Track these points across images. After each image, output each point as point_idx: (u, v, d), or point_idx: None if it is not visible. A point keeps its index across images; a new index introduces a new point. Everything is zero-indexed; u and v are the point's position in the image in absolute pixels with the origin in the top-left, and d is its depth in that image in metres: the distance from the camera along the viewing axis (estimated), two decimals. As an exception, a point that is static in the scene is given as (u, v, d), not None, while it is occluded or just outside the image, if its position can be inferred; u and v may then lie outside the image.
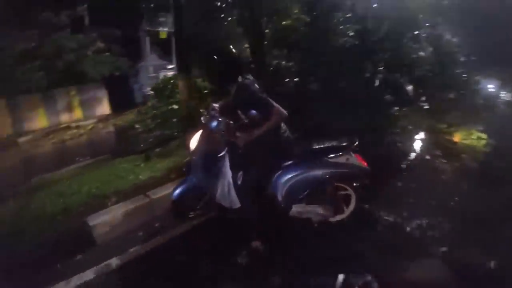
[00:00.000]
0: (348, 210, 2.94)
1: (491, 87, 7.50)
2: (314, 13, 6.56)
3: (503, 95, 7.44)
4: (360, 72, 6.60)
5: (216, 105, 2.75)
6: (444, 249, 2.64)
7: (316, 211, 2.75)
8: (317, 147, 2.82)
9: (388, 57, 6.42)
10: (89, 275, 2.67)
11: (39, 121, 10.90)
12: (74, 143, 9.40)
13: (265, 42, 7.00)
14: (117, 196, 3.67)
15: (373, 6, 6.51)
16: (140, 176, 4.10)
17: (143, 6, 9.87)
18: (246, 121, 2.50)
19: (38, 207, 3.64)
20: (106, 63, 11.44)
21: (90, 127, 10.99)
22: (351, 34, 6.60)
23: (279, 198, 2.70)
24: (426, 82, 6.54)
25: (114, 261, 2.81)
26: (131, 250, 2.92)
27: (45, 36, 10.21)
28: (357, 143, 2.78)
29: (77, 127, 10.97)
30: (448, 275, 2.39)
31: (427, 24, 6.75)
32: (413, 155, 4.68)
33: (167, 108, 7.18)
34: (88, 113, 12.05)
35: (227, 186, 2.62)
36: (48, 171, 5.56)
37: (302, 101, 5.95)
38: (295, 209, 2.75)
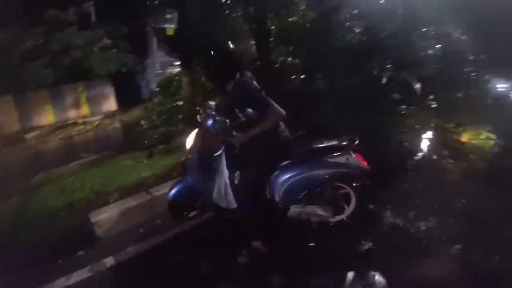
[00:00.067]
0: (348, 211, 2.88)
1: (500, 86, 7.34)
2: (321, 10, 6.48)
3: (513, 94, 7.29)
4: (367, 69, 6.52)
5: (212, 103, 2.71)
6: (447, 250, 2.58)
7: (315, 212, 2.70)
8: (316, 146, 2.76)
9: (395, 54, 6.32)
10: (89, 271, 2.68)
11: (46, 117, 11.02)
12: (80, 139, 9.48)
13: (271, 39, 6.94)
14: (120, 192, 3.69)
15: (380, 2, 6.42)
16: (143, 173, 4.10)
17: (150, 2, 9.86)
18: (243, 119, 2.44)
19: (42, 203, 3.68)
20: (112, 60, 11.50)
21: (96, 123, 11.08)
22: (358, 30, 6.51)
23: (277, 198, 2.64)
24: (434, 81, 6.43)
25: (115, 258, 2.81)
26: (132, 247, 2.92)
27: (52, 33, 10.30)
28: (357, 142, 2.71)
29: (84, 123, 11.07)
30: (453, 276, 2.33)
31: (435, 21, 6.62)
32: (420, 154, 4.60)
33: (173, 105, 7.19)
34: (95, 110, 12.15)
35: (223, 186, 2.57)
36: (54, 166, 5.60)
37: (308, 98, 5.91)
38: (294, 209, 2.69)
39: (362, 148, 2.86)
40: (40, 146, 8.96)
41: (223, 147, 2.59)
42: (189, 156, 2.83)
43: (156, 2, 6.98)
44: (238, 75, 2.44)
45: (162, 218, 3.25)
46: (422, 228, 2.86)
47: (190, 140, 2.84)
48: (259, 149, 2.46)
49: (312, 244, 2.74)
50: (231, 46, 2.53)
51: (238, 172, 2.56)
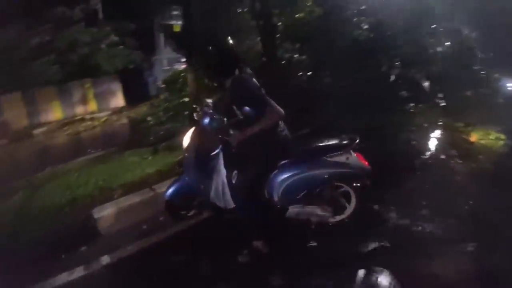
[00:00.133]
0: (348, 211, 2.82)
1: (511, 85, 7.17)
2: (328, 5, 6.39)
3: (525, 94, 7.10)
4: (375, 66, 6.41)
5: (209, 100, 2.67)
6: (453, 251, 2.53)
7: (314, 212, 2.65)
8: (315, 145, 2.69)
9: (403, 51, 6.20)
10: (91, 266, 2.69)
11: (54, 113, 11.16)
12: (87, 135, 9.58)
13: (277, 35, 6.88)
14: (124, 189, 3.70)
15: (388, -2, 6.31)
16: (147, 170, 4.11)
17: (156, -1, 9.89)
18: (241, 118, 2.40)
19: (46, 198, 3.71)
20: (120, 56, 11.60)
21: (104, 119, 11.18)
22: (365, 27, 6.40)
23: (275, 198, 2.58)
24: (443, 79, 6.30)
25: (116, 254, 2.81)
26: (135, 243, 2.93)
27: (60, 30, 10.40)
28: (358, 141, 2.64)
29: (91, 119, 11.19)
30: (459, 278, 2.28)
31: (444, 18, 6.48)
32: (427, 154, 4.53)
33: (179, 101, 7.21)
34: (102, 106, 12.26)
35: (221, 185, 2.53)
36: (60, 162, 5.66)
37: (314, 96, 5.84)
38: (292, 210, 2.64)
39: (368, 147, 2.81)
40: (47, 142, 9.08)
41: (220, 146, 2.56)
42: (186, 154, 2.78)
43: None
44: (237, 71, 2.39)
45: (165, 215, 3.24)
46: (427, 229, 2.81)
47: (187, 139, 2.79)
48: (257, 148, 2.41)
49: (311, 244, 2.69)
50: (231, 42, 2.47)
51: (235, 172, 2.52)
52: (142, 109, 10.97)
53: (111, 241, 2.99)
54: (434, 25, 6.49)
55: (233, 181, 2.52)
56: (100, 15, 12.03)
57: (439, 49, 6.52)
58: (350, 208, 2.82)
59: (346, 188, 2.79)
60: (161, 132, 6.41)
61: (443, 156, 4.40)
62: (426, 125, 5.52)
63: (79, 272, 2.64)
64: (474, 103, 6.04)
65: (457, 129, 5.26)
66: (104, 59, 11.32)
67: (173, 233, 3.02)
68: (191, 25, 5.52)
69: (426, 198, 3.26)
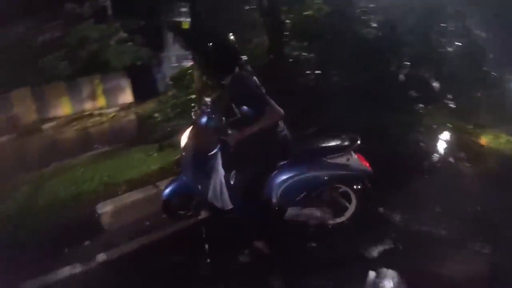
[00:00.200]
0: (348, 213, 2.77)
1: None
2: (336, 3, 6.32)
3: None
4: (383, 65, 6.33)
5: (208, 99, 2.62)
6: (459, 255, 2.48)
7: (313, 214, 2.60)
8: (316, 146, 2.65)
9: (413, 51, 6.11)
10: (93, 261, 2.72)
11: (64, 108, 11.31)
12: (95, 130, 9.69)
13: (285, 33, 6.83)
14: (128, 185, 3.72)
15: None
16: (152, 167, 4.12)
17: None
18: (239, 116, 2.35)
19: (52, 193, 3.76)
20: (128, 53, 11.65)
21: (112, 115, 11.28)
22: (374, 25, 6.31)
23: (274, 200, 2.54)
24: (453, 79, 6.18)
25: (118, 249, 2.83)
26: (136, 239, 2.94)
27: (70, 26, 10.50)
28: (359, 142, 2.59)
29: (100, 115, 11.30)
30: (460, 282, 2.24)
31: (455, 17, 6.35)
32: (435, 156, 4.44)
33: (186, 98, 7.21)
34: (111, 102, 12.36)
35: (219, 185, 2.49)
36: (67, 157, 5.72)
37: (321, 94, 5.79)
38: (291, 211, 2.60)
39: (375, 147, 2.75)
40: (56, 136, 9.20)
41: (218, 146, 2.51)
42: (184, 154, 2.73)
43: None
44: (237, 69, 2.34)
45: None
46: (432, 232, 2.76)
47: (184, 138, 2.74)
48: (256, 149, 2.37)
49: (310, 245, 2.66)
50: (232, 38, 2.40)
51: (234, 172, 2.49)
52: (150, 105, 11.00)
53: (113, 236, 3.01)
54: (444, 24, 6.38)
55: (232, 182, 2.48)
56: (109, 12, 12.10)
57: (449, 48, 6.41)
58: (350, 210, 2.77)
59: (346, 189, 2.73)
60: (168, 129, 6.41)
61: (451, 159, 4.31)
62: (434, 126, 5.42)
63: (81, 266, 2.66)
64: (484, 104, 5.91)
65: (466, 131, 5.15)
66: (113, 56, 11.39)
67: (174, 231, 3.01)
68: (198, 23, 5.50)
69: (431, 201, 3.19)
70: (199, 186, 2.61)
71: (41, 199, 3.66)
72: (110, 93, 12.39)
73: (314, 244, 2.66)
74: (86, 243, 2.98)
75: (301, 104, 5.10)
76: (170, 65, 14.14)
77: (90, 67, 11.35)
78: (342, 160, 2.55)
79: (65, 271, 2.62)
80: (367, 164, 2.64)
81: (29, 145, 8.06)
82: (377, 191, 2.76)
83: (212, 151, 2.52)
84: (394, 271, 2.28)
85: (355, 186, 2.69)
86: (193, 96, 6.63)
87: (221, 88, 2.63)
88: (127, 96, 12.76)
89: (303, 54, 7.25)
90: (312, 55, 7.11)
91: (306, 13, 6.93)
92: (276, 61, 6.65)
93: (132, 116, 10.87)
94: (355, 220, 2.77)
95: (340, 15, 6.35)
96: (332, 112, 4.91)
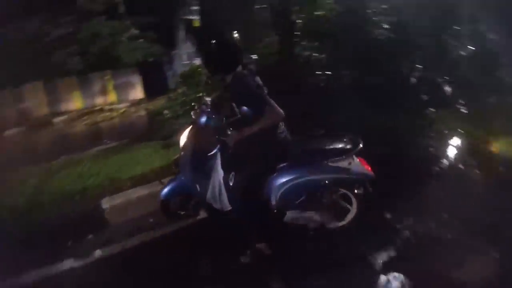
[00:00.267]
0: (349, 217, 2.72)
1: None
2: (348, 3, 6.25)
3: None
4: (395, 67, 6.23)
5: (208, 99, 2.59)
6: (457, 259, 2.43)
7: (313, 217, 2.55)
8: (317, 149, 2.60)
9: (425, 53, 6.00)
10: (96, 255, 2.76)
11: (75, 102, 11.47)
12: (105, 125, 9.78)
13: (296, 33, 6.79)
14: (133, 181, 3.74)
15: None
16: (158, 163, 4.14)
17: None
18: (239, 116, 2.29)
19: (59, 187, 3.81)
20: (140, 49, 11.72)
21: (122, 110, 11.37)
22: (386, 26, 6.22)
23: (273, 202, 2.50)
24: (466, 84, 6.05)
25: (121, 244, 2.86)
26: (140, 235, 2.96)
27: (82, 22, 10.64)
28: (361, 146, 2.52)
29: (110, 110, 11.40)
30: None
31: (468, 20, 6.21)
32: (444, 162, 4.35)
33: (195, 96, 7.23)
34: (122, 97, 12.48)
35: (218, 186, 2.45)
36: (77, 151, 5.78)
37: (331, 95, 5.74)
38: (290, 214, 2.55)
39: (383, 151, 2.69)
40: (66, 130, 9.34)
41: (218, 146, 2.48)
42: (182, 153, 2.70)
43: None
44: (239, 68, 2.31)
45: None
46: (437, 238, 2.71)
47: (183, 137, 2.72)
48: (255, 150, 2.33)
49: (309, 247, 2.64)
50: (235, 36, 2.37)
51: (233, 173, 2.45)
52: (160, 102, 11.05)
53: (117, 231, 3.05)
54: (458, 27, 6.25)
55: (231, 183, 2.44)
56: (122, 9, 12.21)
57: (462, 52, 6.28)
58: (351, 214, 2.72)
59: (347, 192, 2.69)
60: (176, 126, 6.44)
61: (461, 166, 4.22)
62: (445, 131, 5.32)
63: (82, 260, 2.70)
64: (497, 111, 5.75)
65: (478, 137, 5.02)
66: (124, 52, 11.48)
67: (175, 229, 3.02)
68: (209, 21, 5.51)
69: (438, 207, 3.13)
70: (198, 187, 2.58)
71: (48, 191, 3.71)
72: (121, 89, 12.50)
73: (313, 246, 2.64)
74: (89, 236, 3.01)
75: (309, 104, 5.07)
76: (181, 63, 14.22)
77: (102, 62, 11.46)
78: (343, 163, 2.50)
79: (67, 264, 2.67)
80: (369, 168, 2.59)
81: (40, 138, 8.20)
82: (382, 195, 2.72)
83: (211, 151, 2.49)
84: (401, 275, 2.24)
85: (356, 190, 2.64)
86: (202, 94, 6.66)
87: (222, 86, 2.59)
88: (137, 92, 12.85)
89: (313, 54, 7.21)
90: (323, 55, 7.06)
91: (317, 13, 6.88)
92: (287, 61, 6.62)
93: (142, 112, 10.93)
94: (356, 224, 2.73)
95: (352, 16, 6.28)
96: (341, 113, 4.86)
